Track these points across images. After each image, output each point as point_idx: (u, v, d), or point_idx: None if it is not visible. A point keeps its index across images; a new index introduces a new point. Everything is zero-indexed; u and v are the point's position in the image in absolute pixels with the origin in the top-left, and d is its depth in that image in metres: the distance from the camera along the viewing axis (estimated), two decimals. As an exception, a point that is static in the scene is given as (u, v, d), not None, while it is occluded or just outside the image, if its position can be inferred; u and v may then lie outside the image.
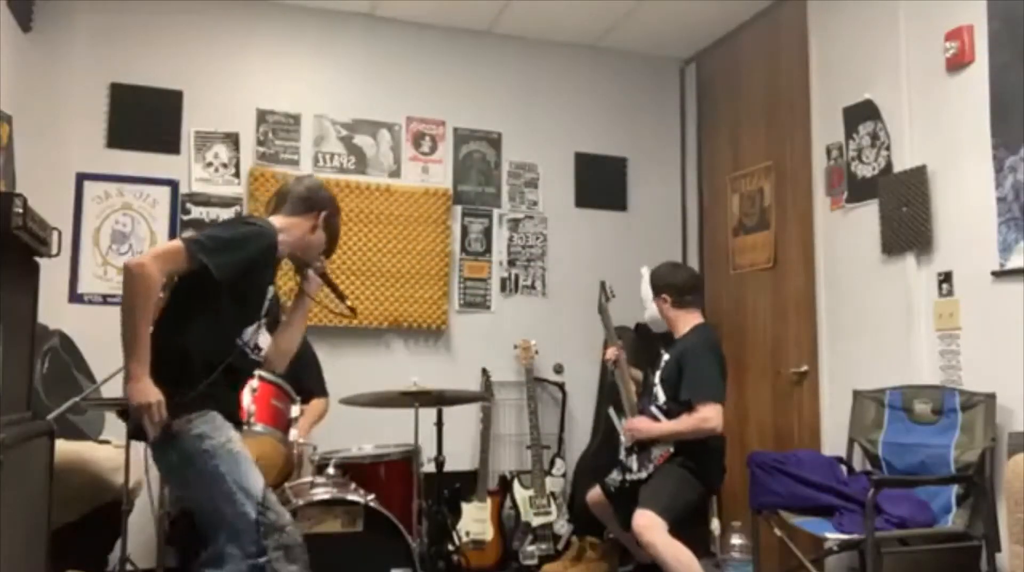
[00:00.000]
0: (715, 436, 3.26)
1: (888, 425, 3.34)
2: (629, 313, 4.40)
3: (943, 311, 3.29)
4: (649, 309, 3.60)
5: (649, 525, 3.06)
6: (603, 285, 3.79)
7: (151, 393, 2.13)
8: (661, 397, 3.36)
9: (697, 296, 3.53)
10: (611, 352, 3.65)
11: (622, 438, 3.44)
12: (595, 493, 3.56)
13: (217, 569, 2.22)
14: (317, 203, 2.58)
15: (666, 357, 3.43)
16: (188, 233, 3.49)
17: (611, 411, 3.64)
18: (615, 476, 3.44)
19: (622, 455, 3.43)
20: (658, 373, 3.43)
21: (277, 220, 2.52)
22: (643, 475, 3.29)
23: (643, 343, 4.47)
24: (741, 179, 4.67)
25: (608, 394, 4.08)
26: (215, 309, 2.32)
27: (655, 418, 3.34)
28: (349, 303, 2.71)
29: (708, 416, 3.18)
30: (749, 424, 4.49)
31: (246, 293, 2.40)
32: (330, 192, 2.67)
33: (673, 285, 3.45)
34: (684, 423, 3.22)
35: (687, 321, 3.44)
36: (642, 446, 3.34)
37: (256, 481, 2.28)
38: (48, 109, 3.98)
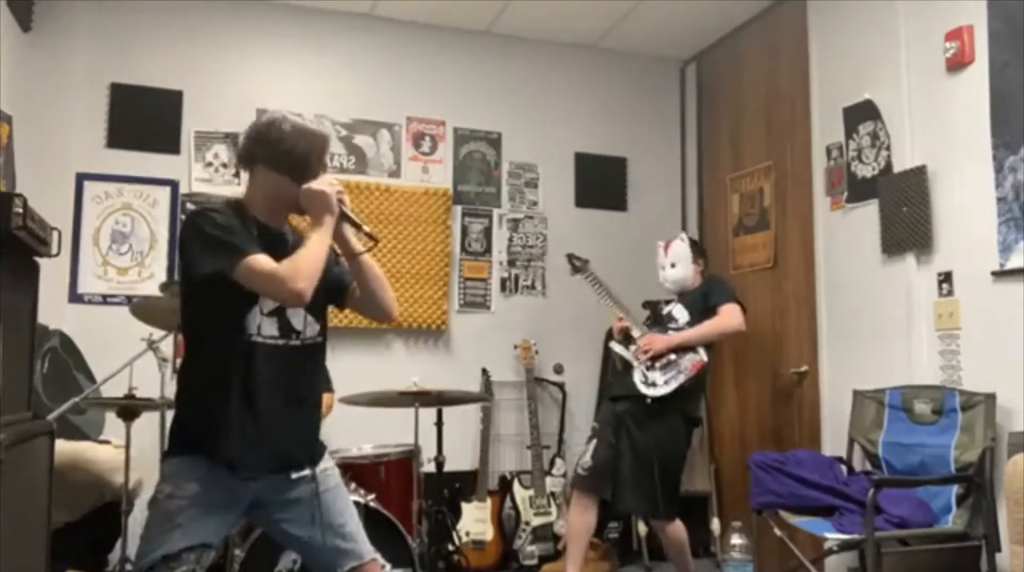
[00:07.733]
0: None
1: (888, 425, 3.33)
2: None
3: (943, 311, 3.29)
4: (682, 272, 3.70)
5: (681, 531, 3.51)
6: (569, 257, 4.04)
7: None
8: (683, 317, 3.59)
9: None
10: (620, 325, 3.70)
11: (634, 363, 3.53)
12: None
13: None
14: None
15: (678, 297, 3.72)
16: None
17: (613, 343, 3.67)
18: (587, 459, 3.50)
19: (638, 377, 3.49)
20: (675, 304, 3.67)
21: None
22: (673, 386, 3.41)
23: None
24: (741, 179, 4.67)
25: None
26: None
27: None
28: (367, 229, 2.17)
29: (732, 311, 3.53)
30: (749, 424, 4.49)
31: None
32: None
33: (704, 250, 3.92)
34: (710, 324, 3.51)
35: (699, 273, 3.81)
36: (667, 362, 3.47)
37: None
38: (48, 109, 3.98)
